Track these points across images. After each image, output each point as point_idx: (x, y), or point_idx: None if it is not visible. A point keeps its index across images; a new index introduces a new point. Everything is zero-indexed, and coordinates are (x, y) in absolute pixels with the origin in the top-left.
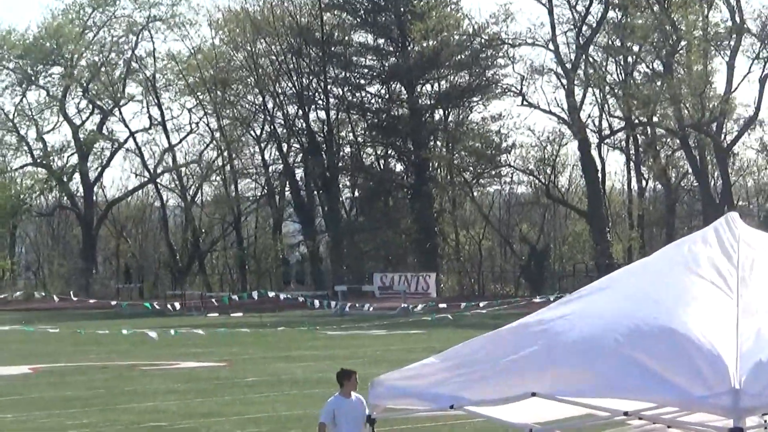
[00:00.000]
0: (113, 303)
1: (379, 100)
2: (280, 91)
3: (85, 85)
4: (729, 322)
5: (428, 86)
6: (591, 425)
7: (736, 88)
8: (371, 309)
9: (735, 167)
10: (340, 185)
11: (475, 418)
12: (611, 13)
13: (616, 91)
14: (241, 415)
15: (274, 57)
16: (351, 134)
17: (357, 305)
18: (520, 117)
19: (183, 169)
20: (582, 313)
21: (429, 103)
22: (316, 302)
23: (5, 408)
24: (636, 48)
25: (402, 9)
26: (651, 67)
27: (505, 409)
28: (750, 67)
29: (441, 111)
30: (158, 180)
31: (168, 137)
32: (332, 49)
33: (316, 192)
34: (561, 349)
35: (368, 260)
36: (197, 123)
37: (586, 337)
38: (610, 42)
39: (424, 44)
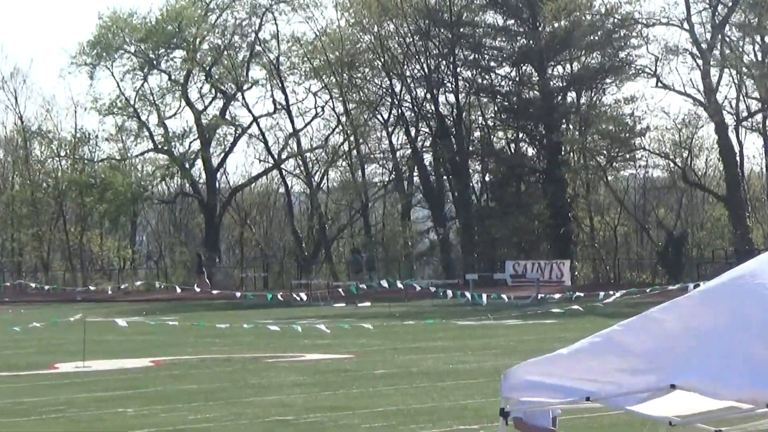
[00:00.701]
0: (237, 294)
1: (510, 83)
2: (408, 74)
3: (207, 69)
4: None
5: (559, 68)
6: (733, 417)
7: None
8: (509, 298)
9: None
10: (470, 170)
11: (612, 410)
12: None
13: (753, 71)
14: (369, 408)
15: (401, 39)
16: (481, 118)
17: (490, 295)
18: (654, 99)
19: (308, 154)
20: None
21: (560, 85)
22: (449, 292)
23: (127, 402)
24: None
25: None
26: None
27: (643, 402)
28: None
29: (573, 93)
30: (283, 166)
31: (292, 122)
32: (461, 30)
33: (445, 177)
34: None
35: (500, 247)
36: (322, 107)
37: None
38: (747, 20)
39: (555, 25)
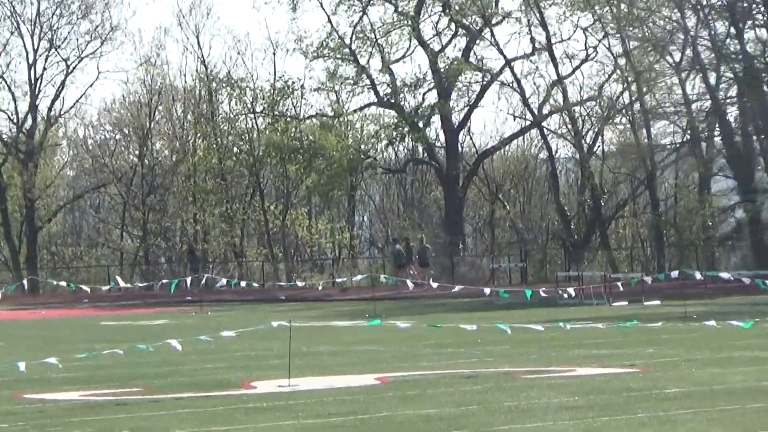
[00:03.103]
0: (486, 291)
1: None
2: (704, 2)
3: None
4: None
5: None
6: None
7: None
8: None
9: None
10: None
11: None
12: None
13: None
14: None
15: None
16: None
17: None
18: None
19: (577, 108)
20: None
21: None
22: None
23: (344, 430)
24: None
25: None
26: None
27: None
28: None
29: None
30: (544, 123)
31: (556, 67)
32: None
33: (755, 137)
34: None
35: None
36: (595, 47)
37: None
38: None
39: None
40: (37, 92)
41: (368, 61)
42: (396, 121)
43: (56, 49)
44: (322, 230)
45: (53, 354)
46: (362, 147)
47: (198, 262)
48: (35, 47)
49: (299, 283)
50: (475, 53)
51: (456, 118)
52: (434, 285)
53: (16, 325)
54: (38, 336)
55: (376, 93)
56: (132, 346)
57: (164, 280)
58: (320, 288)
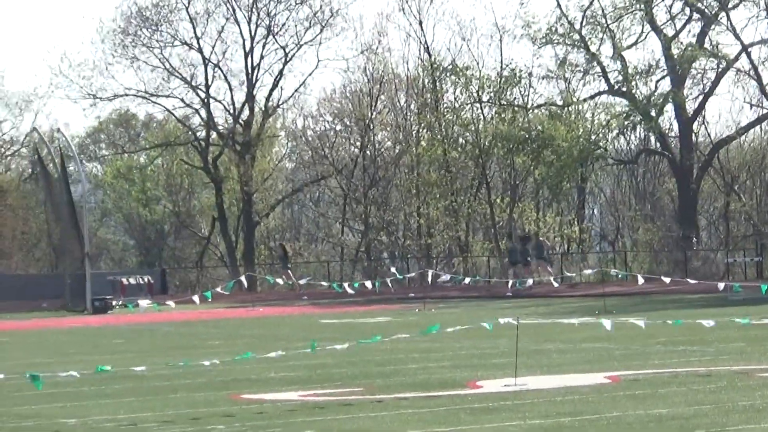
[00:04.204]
0: (720, 286)
1: None
2: None
3: None
4: None
5: None
6: None
7: None
8: None
9: None
10: None
11: None
12: None
13: None
14: None
15: None
16: None
17: None
18: None
19: None
20: None
21: None
22: None
23: (573, 431)
24: None
25: None
26: None
27: None
28: None
29: None
30: None
31: None
32: None
33: None
34: None
35: None
36: None
37: None
38: None
39: None
40: (254, 81)
41: (599, 47)
42: (627, 109)
43: (274, 36)
44: (550, 224)
45: (271, 353)
46: (592, 137)
47: (288, 260)
48: (252, 34)
49: (530, 280)
50: (710, 39)
51: (690, 106)
52: (555, 284)
53: (233, 323)
54: (255, 335)
55: (607, 81)
56: (352, 344)
57: (389, 278)
58: (554, 283)
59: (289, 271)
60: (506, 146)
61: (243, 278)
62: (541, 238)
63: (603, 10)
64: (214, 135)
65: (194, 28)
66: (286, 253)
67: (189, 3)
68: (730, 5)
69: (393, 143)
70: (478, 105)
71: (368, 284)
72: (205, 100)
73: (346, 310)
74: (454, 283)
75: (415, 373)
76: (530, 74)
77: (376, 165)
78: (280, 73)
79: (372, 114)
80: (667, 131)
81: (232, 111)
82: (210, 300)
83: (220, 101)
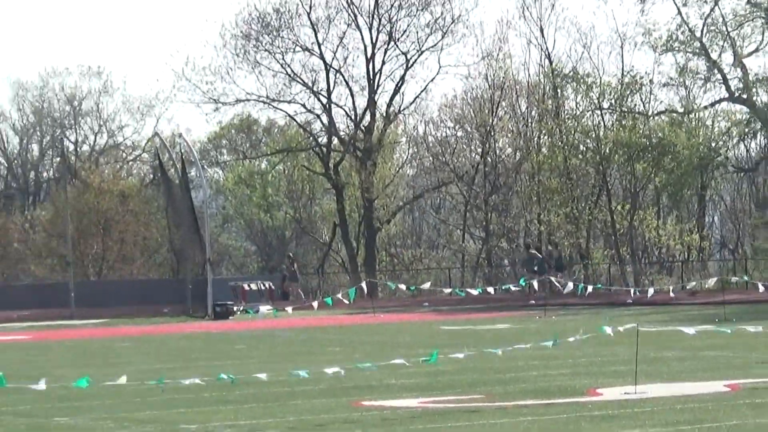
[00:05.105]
0: None
1: None
2: None
3: None
4: None
5: None
6: None
7: None
8: None
9: None
10: None
11: None
12: None
13: None
14: None
15: None
16: None
17: None
18: None
19: None
20: None
21: None
22: None
23: None
24: None
25: None
26: None
27: None
28: None
29: None
30: None
31: None
32: None
33: None
34: None
35: None
36: None
37: None
38: None
39: None
40: (375, 87)
41: (719, 54)
42: (748, 117)
43: (395, 43)
44: (670, 231)
45: (392, 360)
46: (712, 144)
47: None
48: (373, 41)
49: (651, 289)
50: None
51: None
52: (564, 291)
53: (353, 330)
54: (375, 342)
55: (728, 88)
56: (475, 351)
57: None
58: (671, 292)
59: (299, 288)
60: (627, 153)
61: (363, 284)
62: (559, 249)
63: (723, 18)
64: (335, 141)
65: (315, 34)
66: (296, 267)
67: (311, 9)
68: None
69: (513, 150)
70: (598, 112)
71: (491, 290)
72: (327, 106)
73: (467, 317)
74: (576, 291)
75: (535, 380)
76: (651, 81)
77: (497, 171)
78: (402, 78)
79: (493, 120)
80: None
81: (353, 117)
82: (330, 305)
83: (341, 107)
